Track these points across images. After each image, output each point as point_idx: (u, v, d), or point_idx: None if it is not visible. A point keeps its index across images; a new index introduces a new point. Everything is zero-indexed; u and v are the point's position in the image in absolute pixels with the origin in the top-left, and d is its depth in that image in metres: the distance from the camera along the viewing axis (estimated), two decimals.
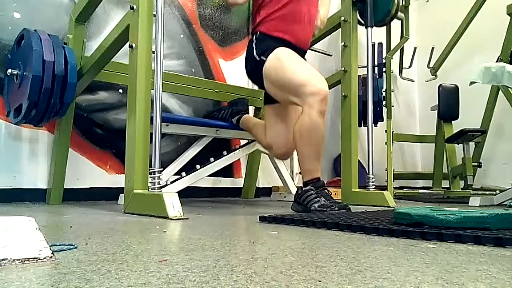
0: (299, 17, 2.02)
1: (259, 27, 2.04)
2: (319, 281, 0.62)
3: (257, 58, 1.99)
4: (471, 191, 3.27)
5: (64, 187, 2.35)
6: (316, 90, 1.85)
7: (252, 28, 2.12)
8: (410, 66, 4.61)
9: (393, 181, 3.62)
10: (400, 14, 2.99)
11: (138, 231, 1.22)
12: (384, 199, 2.37)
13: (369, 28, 2.74)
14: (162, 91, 1.75)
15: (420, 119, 4.98)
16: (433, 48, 4.33)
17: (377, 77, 3.69)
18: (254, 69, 2.03)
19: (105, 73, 2.37)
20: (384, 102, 3.69)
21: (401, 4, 4.07)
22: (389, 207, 2.26)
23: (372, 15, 2.75)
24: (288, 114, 2.15)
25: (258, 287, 0.59)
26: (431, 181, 3.98)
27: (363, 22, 2.84)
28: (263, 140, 2.29)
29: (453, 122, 3.72)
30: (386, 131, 3.64)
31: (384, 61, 3.93)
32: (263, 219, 1.49)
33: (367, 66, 2.77)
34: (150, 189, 1.70)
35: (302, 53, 2.09)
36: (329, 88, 3.01)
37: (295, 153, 2.20)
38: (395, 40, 4.07)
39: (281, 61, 1.94)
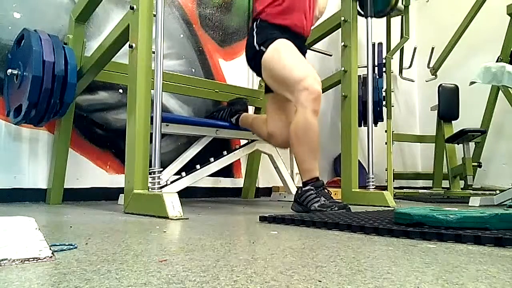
0: (301, 5, 2.04)
1: (260, 15, 2.06)
2: (319, 281, 0.62)
3: (257, 47, 2.01)
4: (471, 191, 3.27)
5: (64, 187, 2.35)
6: (309, 90, 1.86)
7: (253, 16, 2.13)
8: (410, 66, 4.61)
9: (393, 181, 3.62)
10: (400, 5, 2.96)
11: (138, 231, 1.22)
12: (384, 199, 2.37)
13: (369, 19, 2.72)
14: (162, 91, 1.75)
15: (420, 119, 4.98)
16: (433, 48, 4.34)
17: (377, 77, 3.69)
18: (253, 58, 2.05)
19: (105, 73, 2.37)
20: (384, 102, 3.70)
21: (401, 4, 4.07)
22: (389, 207, 2.26)
23: (372, 4, 2.73)
24: (288, 102, 2.15)
25: (258, 287, 0.59)
26: (431, 181, 3.98)
27: (362, 13, 2.81)
28: (264, 132, 2.30)
29: (453, 122, 3.72)
30: (386, 131, 3.64)
31: (384, 61, 3.93)
32: (263, 219, 1.49)
33: (367, 66, 2.77)
34: (150, 189, 1.70)
35: (302, 40, 2.12)
36: (329, 88, 3.08)
37: None
38: (395, 40, 4.07)
39: (279, 54, 1.95)
